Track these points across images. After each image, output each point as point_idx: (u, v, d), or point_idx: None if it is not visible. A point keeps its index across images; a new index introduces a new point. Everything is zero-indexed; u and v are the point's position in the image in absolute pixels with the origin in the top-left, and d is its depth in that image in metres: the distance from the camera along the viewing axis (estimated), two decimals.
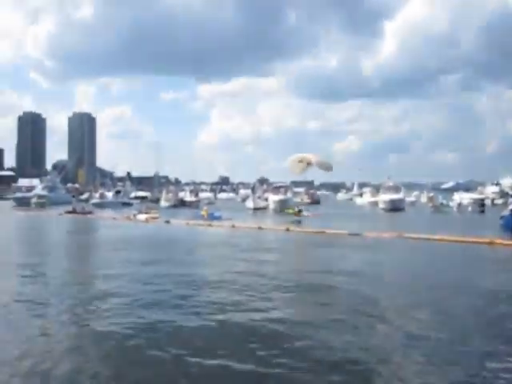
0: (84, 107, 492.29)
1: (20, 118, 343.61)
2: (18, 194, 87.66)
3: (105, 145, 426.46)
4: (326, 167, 39.30)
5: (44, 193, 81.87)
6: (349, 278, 13.95)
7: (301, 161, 38.98)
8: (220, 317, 9.58)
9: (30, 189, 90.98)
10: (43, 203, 72.17)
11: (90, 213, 52.01)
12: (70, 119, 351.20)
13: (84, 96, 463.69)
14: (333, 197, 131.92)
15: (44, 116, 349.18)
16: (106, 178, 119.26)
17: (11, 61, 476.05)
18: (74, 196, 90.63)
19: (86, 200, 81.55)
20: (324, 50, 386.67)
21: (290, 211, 42.30)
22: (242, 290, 12.11)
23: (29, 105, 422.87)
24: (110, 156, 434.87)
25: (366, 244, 23.67)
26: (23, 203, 72.92)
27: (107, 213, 52.99)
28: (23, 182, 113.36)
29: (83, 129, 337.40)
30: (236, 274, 14.76)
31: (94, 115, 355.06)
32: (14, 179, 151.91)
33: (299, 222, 36.73)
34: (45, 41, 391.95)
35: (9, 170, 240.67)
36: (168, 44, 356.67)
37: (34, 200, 75.00)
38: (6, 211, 61.59)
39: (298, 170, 39.63)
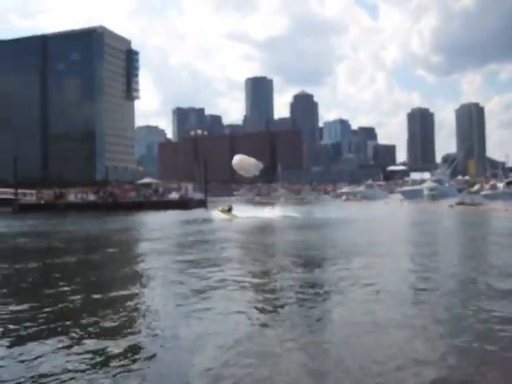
0: (471, 98, 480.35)
1: (409, 115, 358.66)
2: (405, 188, 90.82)
3: (495, 134, 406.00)
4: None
5: (433, 185, 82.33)
6: None
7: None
8: None
9: (420, 182, 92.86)
10: (434, 195, 73.38)
11: (479, 204, 49.32)
12: (456, 111, 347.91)
13: (470, 86, 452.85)
14: None
15: (431, 111, 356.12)
16: (496, 169, 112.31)
17: (398, 60, 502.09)
18: (462, 189, 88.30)
19: (477, 192, 78.16)
20: None
21: None
22: None
23: (417, 101, 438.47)
24: (500, 146, 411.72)
25: None
26: (411, 196, 75.10)
27: (498, 204, 49.07)
28: (414, 175, 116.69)
29: (471, 120, 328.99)
30: None
31: (482, 105, 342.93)
32: (406, 174, 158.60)
33: None
34: (429, 37, 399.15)
35: (401, 164, 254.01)
36: None
37: (426, 192, 77.04)
38: (394, 204, 64.03)
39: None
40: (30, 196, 64.06)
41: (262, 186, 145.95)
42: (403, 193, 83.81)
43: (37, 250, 18.82)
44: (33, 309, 8.36)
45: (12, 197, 60.01)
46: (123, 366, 5.69)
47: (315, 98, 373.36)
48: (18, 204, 58.03)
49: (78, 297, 9.20)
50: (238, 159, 38.51)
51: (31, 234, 25.96)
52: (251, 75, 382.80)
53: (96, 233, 26.78)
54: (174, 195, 62.79)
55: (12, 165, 67.35)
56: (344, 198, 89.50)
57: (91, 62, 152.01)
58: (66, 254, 16.86)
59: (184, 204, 54.79)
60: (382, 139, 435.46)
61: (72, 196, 61.73)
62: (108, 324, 7.38)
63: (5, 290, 10.34)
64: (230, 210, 37.21)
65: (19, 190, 62.32)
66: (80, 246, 20.04)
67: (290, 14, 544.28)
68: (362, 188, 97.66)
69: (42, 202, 60.09)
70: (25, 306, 8.53)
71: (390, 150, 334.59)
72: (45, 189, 66.89)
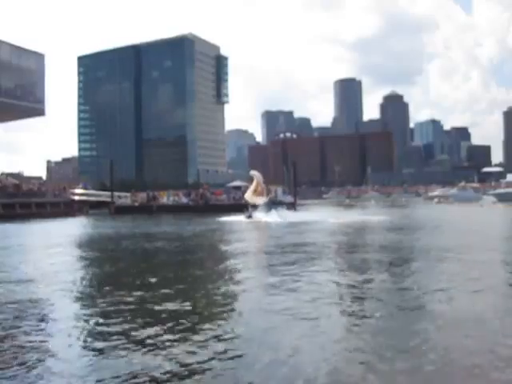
0: None
1: (506, 113, 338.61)
2: (499, 190, 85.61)
3: None
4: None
5: None
6: None
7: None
8: None
9: None
10: None
11: None
12: None
13: None
14: None
15: None
16: None
17: (494, 56, 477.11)
18: None
19: None
20: None
21: None
22: None
23: None
24: None
25: None
26: (504, 198, 70.65)
27: None
28: (511, 177, 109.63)
29: None
30: None
31: None
32: (502, 175, 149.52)
33: None
34: None
35: (497, 166, 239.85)
36: None
37: None
38: (488, 207, 60.27)
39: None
40: (124, 198, 66.18)
41: (352, 189, 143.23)
42: (496, 195, 79.11)
43: (147, 251, 19.05)
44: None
45: (109, 199, 62.33)
46: None
47: (406, 99, 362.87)
48: (115, 206, 60.16)
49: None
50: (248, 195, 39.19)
51: (135, 235, 26.65)
52: (340, 77, 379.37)
53: (192, 233, 27.03)
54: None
55: (108, 168, 70.55)
56: (436, 200, 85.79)
57: (183, 69, 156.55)
58: (173, 254, 17.12)
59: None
60: (477, 140, 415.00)
61: (165, 198, 63.12)
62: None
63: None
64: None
65: (115, 193, 64.61)
66: (181, 245, 20.29)
67: (379, 12, 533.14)
68: (454, 190, 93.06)
69: (136, 204, 61.87)
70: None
71: (485, 151, 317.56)
72: (139, 192, 69.01)
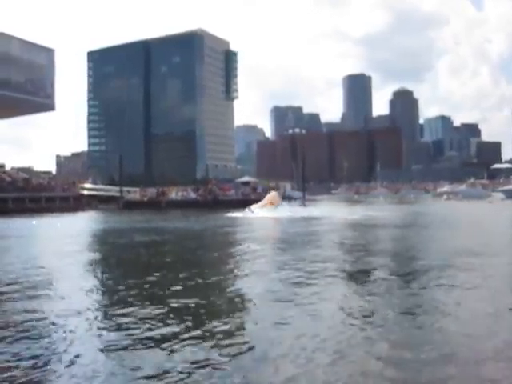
0: None
1: None
2: (507, 187, 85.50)
3: None
4: None
5: None
6: None
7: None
8: None
9: None
10: None
11: None
12: None
13: None
14: None
15: None
16: None
17: (505, 52, 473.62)
18: None
19: None
20: None
21: None
22: None
23: None
24: None
25: None
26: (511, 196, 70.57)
27: None
28: None
29: None
30: None
31: None
32: None
33: None
34: None
35: (507, 162, 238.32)
36: None
37: None
38: (497, 204, 60.09)
39: None
40: (133, 193, 66.48)
41: (360, 185, 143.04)
42: (505, 192, 78.81)
43: (157, 244, 19.27)
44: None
45: (118, 194, 62.65)
46: None
47: (415, 94, 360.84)
48: (123, 201, 60.48)
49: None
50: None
51: (146, 230, 26.92)
52: (349, 72, 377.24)
53: (201, 229, 27.20)
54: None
55: (117, 163, 70.91)
56: (445, 197, 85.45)
57: (192, 64, 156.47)
58: (183, 249, 17.29)
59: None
60: (487, 136, 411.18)
61: (173, 194, 63.32)
62: None
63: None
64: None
65: (124, 188, 64.90)
66: (191, 241, 20.45)
67: (387, 8, 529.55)
68: (463, 187, 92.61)
69: (145, 199, 62.13)
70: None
71: (495, 147, 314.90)
72: (148, 187, 69.29)
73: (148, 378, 5.10)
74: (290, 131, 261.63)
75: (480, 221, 31.34)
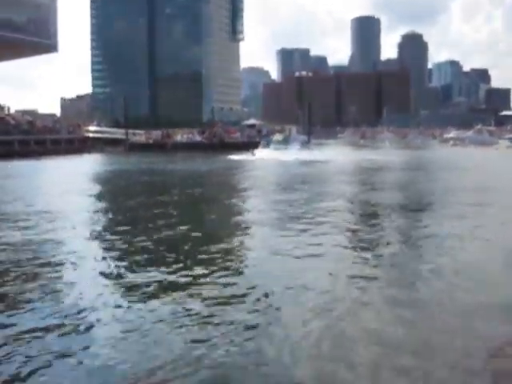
0: None
1: None
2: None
3: None
4: None
5: None
6: None
7: None
8: None
9: None
10: None
11: None
12: None
13: None
14: None
15: None
16: None
17: None
18: None
19: None
20: None
21: None
22: None
23: None
24: None
25: None
26: None
27: None
28: None
29: None
30: None
31: None
32: None
33: None
34: None
35: None
36: None
37: None
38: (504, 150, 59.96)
39: None
40: (139, 136, 66.47)
41: (366, 130, 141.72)
42: (511, 139, 78.26)
43: (163, 185, 19.74)
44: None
45: (123, 137, 62.66)
46: None
47: (425, 38, 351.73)
48: (129, 143, 60.59)
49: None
50: None
51: (150, 171, 27.31)
52: (358, 14, 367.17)
53: (205, 171, 27.56)
54: (278, 137, 62.51)
55: (122, 105, 70.56)
56: (451, 143, 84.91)
57: (198, 5, 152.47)
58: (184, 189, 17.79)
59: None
60: (497, 82, 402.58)
61: (179, 136, 63.31)
62: None
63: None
64: None
65: (129, 131, 64.84)
66: (193, 181, 20.91)
67: None
68: (470, 133, 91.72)
69: (151, 141, 62.23)
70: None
71: (505, 94, 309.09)
72: (153, 129, 69.19)
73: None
74: (297, 73, 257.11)
75: (482, 166, 31.48)
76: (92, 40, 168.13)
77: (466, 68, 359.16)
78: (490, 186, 16.50)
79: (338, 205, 11.91)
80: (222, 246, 7.98)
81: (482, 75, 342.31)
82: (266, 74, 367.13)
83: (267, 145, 44.08)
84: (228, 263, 7.28)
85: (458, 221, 9.54)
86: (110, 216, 11.22)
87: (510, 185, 18.00)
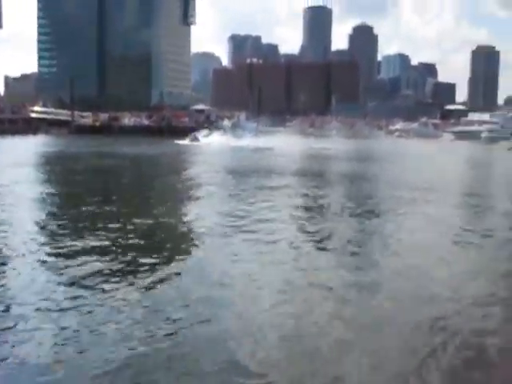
0: None
1: (474, 52, 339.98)
2: (457, 128, 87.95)
3: None
4: None
5: (491, 127, 78.84)
6: None
7: None
8: None
9: (477, 123, 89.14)
10: (492, 138, 70.35)
11: None
12: None
13: None
14: None
15: (497, 49, 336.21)
16: None
17: None
18: None
19: None
20: None
21: None
22: None
23: (484, 38, 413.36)
24: None
25: None
26: (463, 137, 72.53)
27: None
28: (473, 116, 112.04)
29: None
30: None
31: None
32: (464, 113, 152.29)
33: None
34: None
35: (460, 104, 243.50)
36: None
37: (484, 134, 73.73)
38: (446, 144, 62.32)
39: None
40: (86, 118, 65.42)
41: (315, 118, 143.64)
42: (455, 133, 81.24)
43: (110, 169, 19.84)
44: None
45: (69, 118, 61.55)
46: None
47: (375, 31, 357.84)
48: (75, 125, 59.60)
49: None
50: None
51: (98, 154, 27.31)
52: (310, 4, 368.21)
53: (150, 154, 27.76)
54: (227, 123, 62.80)
55: (69, 86, 68.98)
56: (397, 134, 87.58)
57: None
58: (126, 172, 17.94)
59: None
60: (443, 77, 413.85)
61: (126, 120, 62.71)
62: None
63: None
64: None
65: (76, 112, 63.74)
66: (138, 165, 21.13)
67: None
68: (415, 125, 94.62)
69: (97, 124, 61.41)
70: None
71: (450, 89, 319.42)
72: (101, 111, 68.18)
73: None
74: (248, 60, 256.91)
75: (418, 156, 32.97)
76: (39, 17, 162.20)
77: (414, 62, 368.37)
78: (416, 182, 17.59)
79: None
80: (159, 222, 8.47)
81: (430, 69, 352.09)
82: (217, 59, 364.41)
83: (216, 130, 44.46)
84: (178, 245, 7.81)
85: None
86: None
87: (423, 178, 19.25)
